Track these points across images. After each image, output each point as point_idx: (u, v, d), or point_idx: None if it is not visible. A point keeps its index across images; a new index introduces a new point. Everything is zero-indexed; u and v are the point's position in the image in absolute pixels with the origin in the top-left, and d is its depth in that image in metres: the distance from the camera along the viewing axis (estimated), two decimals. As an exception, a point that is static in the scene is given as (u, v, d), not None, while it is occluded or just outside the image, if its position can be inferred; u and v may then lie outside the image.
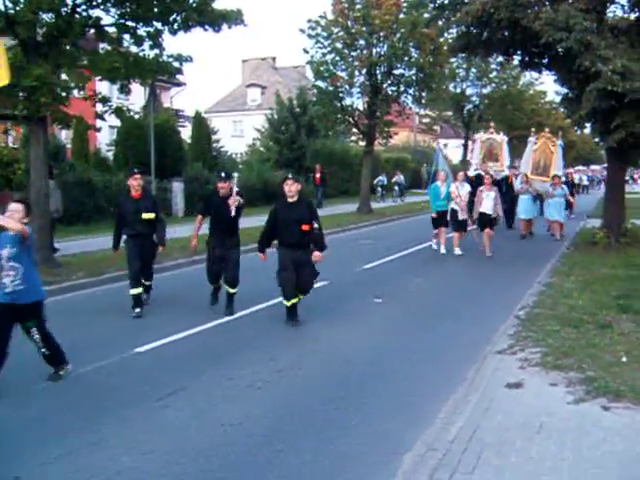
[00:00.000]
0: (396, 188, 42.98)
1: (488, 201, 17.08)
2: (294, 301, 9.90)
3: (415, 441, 5.72)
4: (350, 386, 7.23)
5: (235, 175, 10.98)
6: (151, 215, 10.73)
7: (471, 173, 23.27)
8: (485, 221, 17.23)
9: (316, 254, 9.60)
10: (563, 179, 23.64)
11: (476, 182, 20.18)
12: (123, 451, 5.52)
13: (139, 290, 10.66)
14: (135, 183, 10.78)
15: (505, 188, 22.04)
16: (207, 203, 10.72)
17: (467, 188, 17.68)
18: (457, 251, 17.23)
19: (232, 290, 10.50)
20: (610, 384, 6.67)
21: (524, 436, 5.59)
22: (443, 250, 17.49)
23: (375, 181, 41.03)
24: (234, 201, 10.21)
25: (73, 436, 5.81)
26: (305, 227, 9.61)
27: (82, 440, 5.71)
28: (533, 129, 25.55)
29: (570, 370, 7.20)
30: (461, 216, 17.31)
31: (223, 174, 10.66)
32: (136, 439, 5.77)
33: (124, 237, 10.89)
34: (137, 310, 10.47)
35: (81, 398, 6.81)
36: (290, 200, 9.79)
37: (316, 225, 9.66)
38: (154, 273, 11.58)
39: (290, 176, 9.94)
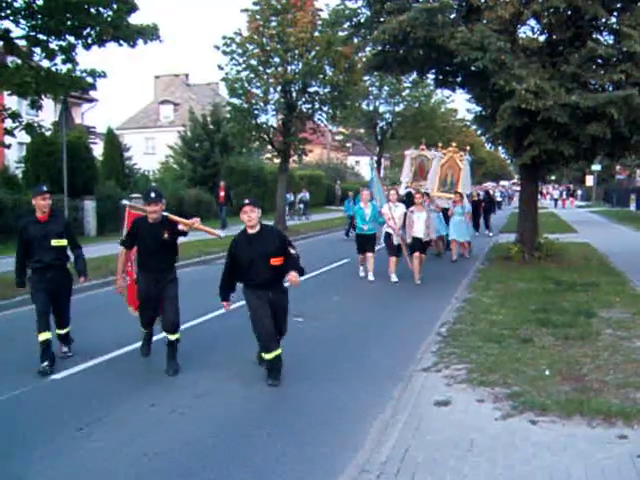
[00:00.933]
0: (301, 206, 41.84)
1: (419, 223, 15.70)
2: (277, 352, 7.93)
3: (347, 464, 5.62)
4: (276, 410, 7.08)
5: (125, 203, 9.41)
6: (62, 241, 8.78)
7: (401, 191, 21.93)
8: (417, 245, 15.69)
9: (292, 275, 7.62)
10: (480, 195, 23.56)
11: (407, 201, 19.28)
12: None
13: (48, 336, 8.47)
14: (43, 203, 8.64)
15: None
16: (133, 233, 8.55)
17: (401, 209, 16.02)
18: (393, 278, 15.88)
19: (173, 337, 8.52)
20: (536, 398, 6.74)
21: (456, 454, 5.56)
22: (371, 277, 16.14)
23: (298, 197, 41.09)
24: (192, 223, 8.43)
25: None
26: (276, 261, 7.77)
27: (-3, 476, 5.41)
28: (440, 144, 25.15)
29: (496, 386, 7.24)
30: (396, 240, 15.99)
31: (153, 194, 8.31)
32: (55, 475, 5.48)
33: (30, 270, 8.81)
34: (44, 364, 8.31)
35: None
36: (251, 231, 7.81)
37: (293, 251, 7.89)
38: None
39: (247, 201, 7.85)
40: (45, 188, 8.85)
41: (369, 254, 16.32)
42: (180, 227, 8.44)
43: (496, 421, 6.29)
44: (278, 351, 7.93)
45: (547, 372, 7.68)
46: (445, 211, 21.14)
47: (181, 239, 8.68)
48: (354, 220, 22.74)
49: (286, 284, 8.05)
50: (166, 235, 8.40)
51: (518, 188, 32.10)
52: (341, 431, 6.44)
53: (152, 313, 8.82)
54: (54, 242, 8.68)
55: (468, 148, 24.24)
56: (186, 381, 8.06)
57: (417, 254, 15.70)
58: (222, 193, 32.07)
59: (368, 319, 11.85)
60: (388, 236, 16.11)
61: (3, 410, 7.04)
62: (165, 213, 8.49)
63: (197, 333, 10.45)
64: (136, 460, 5.73)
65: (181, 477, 5.42)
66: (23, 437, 6.23)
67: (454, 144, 23.87)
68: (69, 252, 9.07)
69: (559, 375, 7.58)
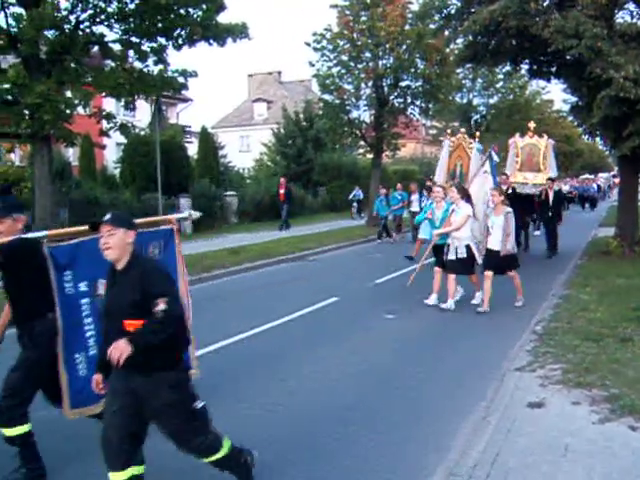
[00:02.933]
0: (355, 205, 37.16)
1: (496, 231, 11.97)
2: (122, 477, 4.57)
3: (436, 466, 5.47)
4: (362, 408, 6.97)
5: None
6: None
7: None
8: (493, 261, 11.97)
9: (116, 346, 4.18)
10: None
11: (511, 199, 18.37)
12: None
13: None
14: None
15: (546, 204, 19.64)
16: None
17: (466, 210, 11.96)
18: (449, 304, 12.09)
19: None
20: (636, 402, 6.41)
21: (550, 459, 5.33)
22: (433, 301, 12.41)
23: (350, 195, 37.36)
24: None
25: None
26: (132, 325, 4.39)
27: None
28: (448, 130, 22.52)
29: (593, 387, 6.94)
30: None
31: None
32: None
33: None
34: None
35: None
36: (118, 267, 4.58)
37: (162, 307, 4.31)
38: None
39: (106, 218, 4.60)
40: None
41: (438, 269, 12.70)
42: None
43: (593, 425, 6.01)
44: (124, 475, 4.56)
45: (648, 374, 7.32)
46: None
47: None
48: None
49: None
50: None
51: (617, 180, 30.48)
52: (431, 431, 6.28)
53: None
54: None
55: (478, 134, 22.16)
56: (275, 377, 8.03)
57: (487, 273, 11.92)
58: (282, 190, 29.54)
59: (459, 316, 11.60)
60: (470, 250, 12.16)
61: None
62: (35, 234, 5.59)
63: (290, 328, 10.47)
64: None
65: (267, 475, 5.36)
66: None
67: (462, 130, 21.15)
68: None
69: (661, 377, 7.21)
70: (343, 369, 8.41)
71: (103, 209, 23.93)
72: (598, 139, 22.29)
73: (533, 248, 20.32)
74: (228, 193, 32.53)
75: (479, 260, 12.22)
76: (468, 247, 11.97)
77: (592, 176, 70.92)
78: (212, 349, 9.29)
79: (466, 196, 12.34)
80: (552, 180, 19.78)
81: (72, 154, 31.89)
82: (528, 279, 15.04)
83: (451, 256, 12.08)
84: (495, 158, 17.69)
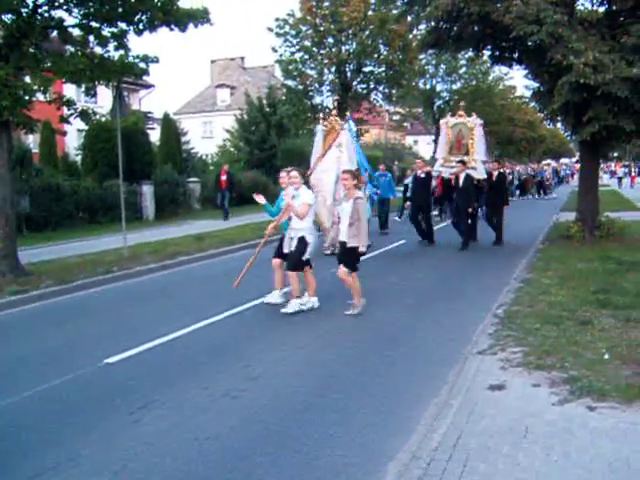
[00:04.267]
0: None
1: (344, 220, 10.40)
2: None
3: (399, 450, 5.52)
4: (328, 393, 6.99)
5: None
6: None
7: (435, 171, 19.80)
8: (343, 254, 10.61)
9: None
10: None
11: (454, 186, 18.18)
12: (93, 471, 5.25)
13: None
14: None
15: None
16: None
17: (307, 198, 10.68)
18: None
19: None
20: (594, 383, 6.52)
21: (510, 441, 5.40)
22: (274, 299, 11.21)
23: None
24: None
25: (39, 456, 5.53)
26: None
27: (49, 460, 5.43)
28: (321, 115, 21.14)
29: (553, 369, 7.04)
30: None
31: None
32: (107, 457, 5.49)
33: None
34: None
35: (47, 414, 6.50)
36: None
37: None
38: None
39: None
40: None
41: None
42: None
43: (553, 407, 6.10)
44: None
45: (606, 356, 7.42)
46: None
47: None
48: None
49: None
50: None
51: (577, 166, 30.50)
52: (393, 416, 6.33)
53: None
54: None
55: (348, 114, 20.65)
56: (240, 363, 8.03)
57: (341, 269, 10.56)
58: (223, 177, 28.34)
59: (422, 301, 11.69)
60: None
61: (56, 393, 7.10)
62: None
63: (251, 315, 10.48)
64: (186, 444, 5.71)
65: (230, 461, 5.38)
66: (75, 420, 6.29)
67: (334, 112, 19.70)
68: None
69: (619, 359, 7.31)
70: (308, 355, 8.44)
71: (65, 196, 23.73)
72: (559, 124, 22.49)
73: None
74: (191, 179, 32.37)
75: (307, 255, 10.68)
76: (303, 238, 10.64)
77: (553, 162, 71.70)
78: (174, 337, 9.26)
79: (305, 181, 11.27)
80: (498, 162, 20.21)
81: (32, 141, 31.44)
82: (489, 263, 15.26)
83: (287, 249, 10.89)
84: (352, 127, 16.65)
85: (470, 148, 19.41)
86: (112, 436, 5.94)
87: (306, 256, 10.68)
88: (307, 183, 11.04)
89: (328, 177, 12.20)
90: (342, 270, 10.37)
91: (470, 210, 18.12)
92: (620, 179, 59.57)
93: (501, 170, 19.76)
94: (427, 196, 19.41)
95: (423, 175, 19.15)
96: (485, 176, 19.11)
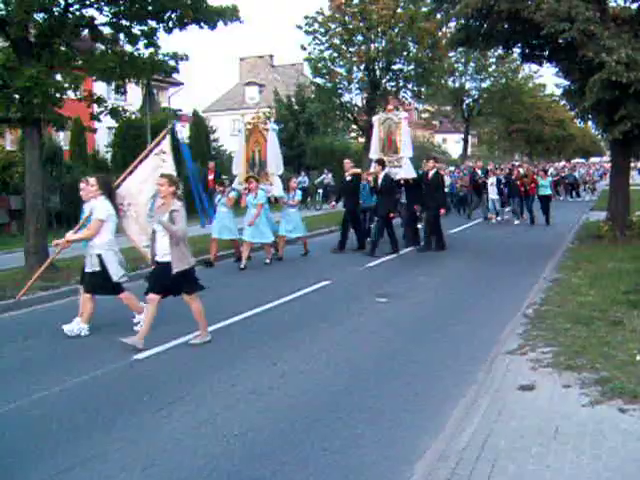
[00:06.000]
0: (320, 192, 33.66)
1: (160, 236, 8.69)
2: None
3: (426, 450, 5.49)
4: (356, 392, 6.98)
5: None
6: None
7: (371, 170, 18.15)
8: (160, 278, 8.74)
9: None
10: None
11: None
12: (121, 466, 5.28)
13: None
14: None
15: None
16: None
17: (101, 212, 9.39)
18: None
19: None
20: (625, 385, 6.42)
21: (540, 442, 5.34)
22: (72, 328, 9.50)
23: (317, 180, 34.55)
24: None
25: (68, 452, 5.57)
26: None
27: (78, 456, 5.47)
28: (241, 112, 19.88)
29: (583, 370, 6.96)
30: None
31: None
32: (135, 453, 5.52)
33: None
34: None
35: (76, 410, 6.54)
36: None
37: None
38: None
39: None
40: None
41: None
42: None
43: (583, 408, 6.03)
44: None
45: (638, 357, 7.30)
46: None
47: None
48: None
49: None
50: None
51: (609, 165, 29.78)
52: (421, 415, 6.30)
53: None
54: None
55: (273, 112, 19.38)
56: (267, 361, 8.03)
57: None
58: (211, 176, 25.31)
59: (451, 300, 11.63)
60: None
61: (85, 389, 7.15)
62: None
63: (279, 313, 10.49)
64: (213, 441, 5.72)
65: (257, 459, 5.38)
66: (104, 416, 6.33)
67: (261, 111, 19.08)
68: None
69: (651, 360, 7.23)
70: (335, 353, 8.42)
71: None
72: (590, 123, 22.26)
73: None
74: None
75: (114, 277, 9.39)
76: (100, 257, 9.33)
77: (584, 160, 70.95)
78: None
79: (108, 191, 9.74)
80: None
81: (63, 139, 31.71)
82: (520, 263, 15.13)
83: (87, 268, 9.50)
84: (180, 135, 12.97)
85: (397, 145, 18.10)
86: (140, 432, 5.97)
87: (115, 279, 9.40)
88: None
89: (145, 188, 10.34)
90: (155, 297, 8.64)
91: (392, 215, 17.04)
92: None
93: (437, 169, 18.43)
94: (356, 200, 17.91)
95: (349, 178, 17.78)
96: (414, 175, 18.04)
